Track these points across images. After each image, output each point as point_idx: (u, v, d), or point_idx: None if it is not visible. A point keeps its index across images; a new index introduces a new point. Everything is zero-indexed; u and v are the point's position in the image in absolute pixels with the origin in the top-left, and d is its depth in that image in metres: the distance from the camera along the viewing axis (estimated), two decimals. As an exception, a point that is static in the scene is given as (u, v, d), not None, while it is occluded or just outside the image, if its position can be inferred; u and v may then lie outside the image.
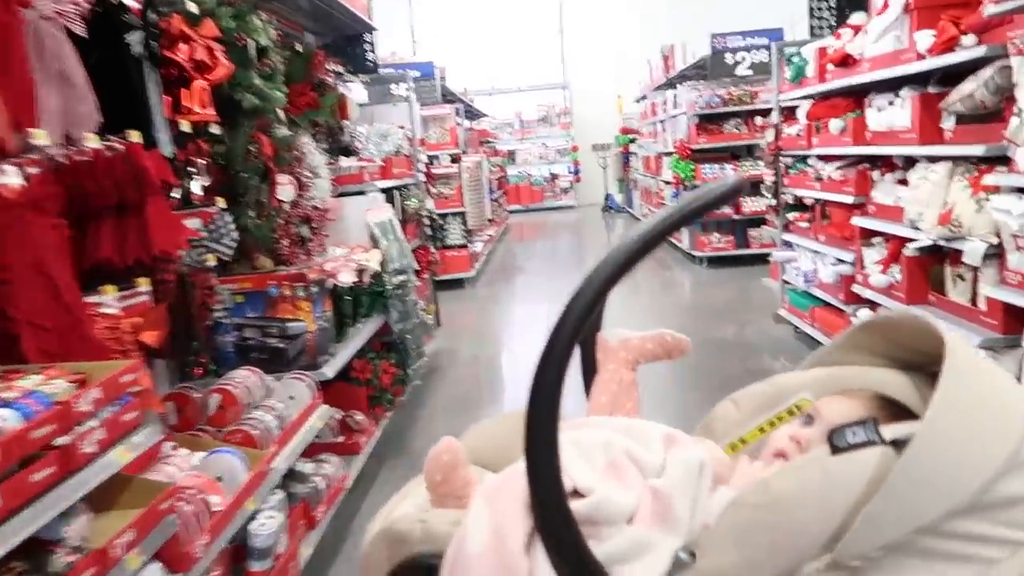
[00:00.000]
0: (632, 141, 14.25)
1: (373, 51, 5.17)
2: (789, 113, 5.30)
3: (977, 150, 2.93)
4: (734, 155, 8.47)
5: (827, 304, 4.56)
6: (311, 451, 2.74)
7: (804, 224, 4.87)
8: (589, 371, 1.31)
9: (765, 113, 8.20)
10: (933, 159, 3.37)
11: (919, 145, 3.41)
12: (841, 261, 4.31)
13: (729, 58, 8.19)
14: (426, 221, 5.26)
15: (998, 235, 2.84)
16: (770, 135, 5.16)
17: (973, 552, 0.85)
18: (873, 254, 3.92)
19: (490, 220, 11.66)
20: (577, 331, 0.83)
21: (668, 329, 1.32)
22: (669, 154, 9.42)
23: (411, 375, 4.07)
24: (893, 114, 3.67)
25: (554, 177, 17.47)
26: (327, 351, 2.95)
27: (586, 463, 1.00)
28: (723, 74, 8.25)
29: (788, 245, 5.23)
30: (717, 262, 8.29)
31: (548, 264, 10.04)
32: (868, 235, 4.03)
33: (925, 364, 1.12)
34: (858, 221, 4.02)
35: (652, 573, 0.91)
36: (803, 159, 4.98)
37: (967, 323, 3.12)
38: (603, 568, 0.89)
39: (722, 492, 1.00)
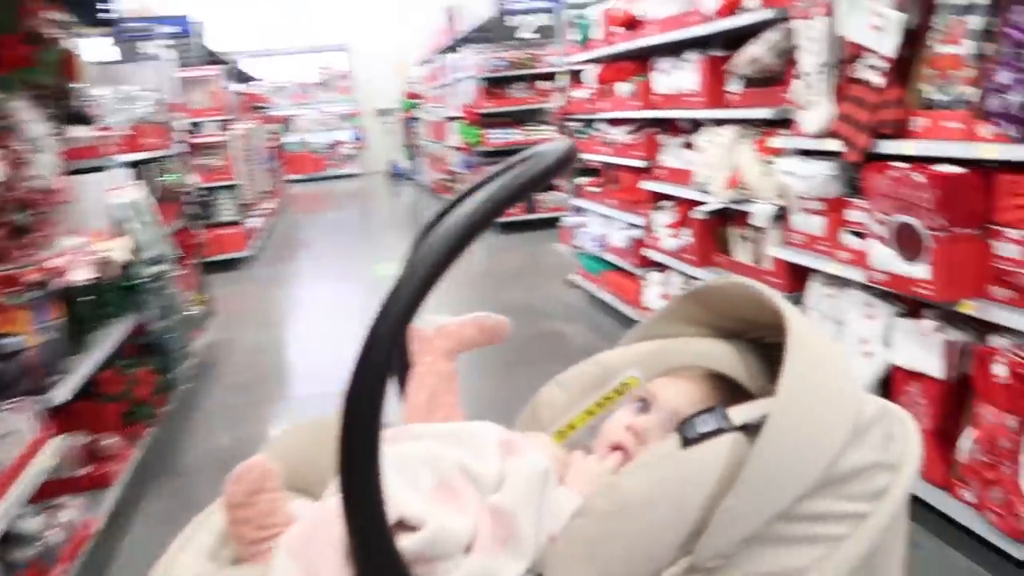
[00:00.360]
0: (417, 106, 13.89)
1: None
2: (576, 77, 5.25)
3: (763, 113, 2.95)
4: (519, 119, 8.43)
5: (619, 268, 4.58)
6: (47, 495, 2.20)
7: (594, 189, 4.85)
8: (403, 366, 1.18)
9: (550, 77, 8.24)
10: (720, 123, 3.40)
11: (706, 109, 3.42)
12: (632, 225, 4.32)
13: (512, 21, 8.09)
14: (189, 198, 4.60)
15: (783, 197, 2.88)
16: (558, 99, 5.07)
17: (822, 531, 0.81)
18: (663, 217, 3.94)
19: (268, 192, 10.84)
20: (398, 331, 0.70)
21: (484, 312, 1.24)
22: (456, 119, 9.21)
23: (176, 379, 3.52)
24: (679, 77, 3.66)
25: (336, 144, 16.68)
26: (58, 368, 2.38)
27: (412, 486, 0.88)
28: (507, 37, 8.13)
29: (579, 210, 5.21)
30: (509, 227, 8.25)
31: (335, 237, 9.50)
32: (657, 199, 4.05)
33: (745, 331, 1.12)
34: (647, 185, 4.02)
35: None
36: (591, 123, 4.95)
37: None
38: None
39: (564, 495, 0.92)
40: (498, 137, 8.11)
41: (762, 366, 1.11)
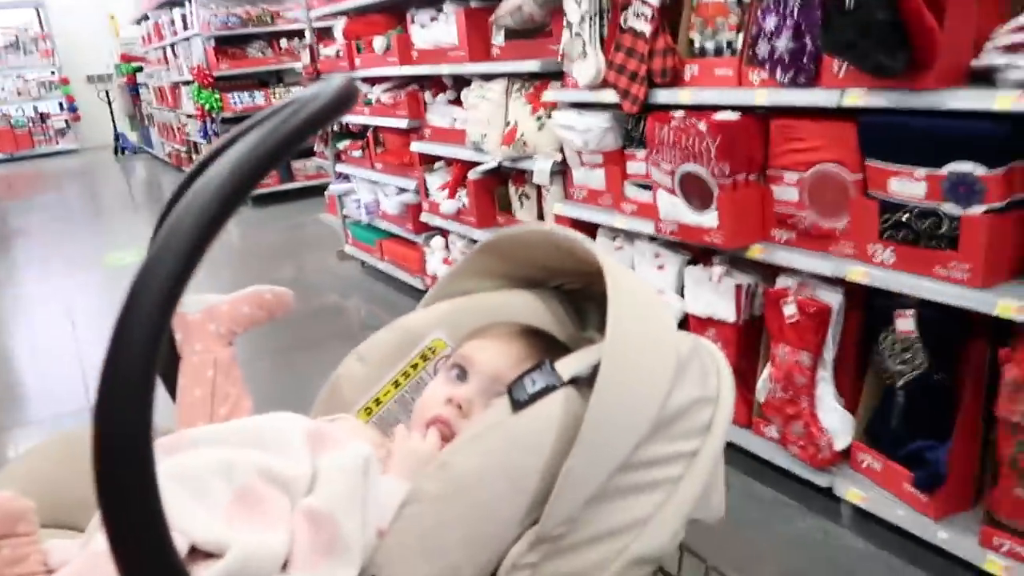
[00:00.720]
0: (139, 70, 12.35)
1: None
2: (324, 33, 4.84)
3: (531, 66, 2.84)
4: (263, 82, 7.75)
5: (395, 236, 4.34)
6: None
7: (357, 153, 4.54)
8: (169, 360, 1.03)
9: (291, 36, 7.64)
10: (487, 77, 3.25)
11: (469, 63, 3.25)
12: (403, 190, 4.08)
13: (240, -29, 7.34)
14: None
15: (562, 151, 2.82)
16: (306, 57, 4.64)
17: (659, 476, 0.79)
18: (436, 179, 3.76)
19: (-40, 178, 9.08)
20: (159, 318, 0.52)
21: (267, 287, 1.12)
22: (188, 83, 8.27)
23: None
24: (438, 30, 3.45)
25: (44, 117, 14.43)
26: None
27: (203, 504, 0.73)
28: (237, -10, 7.38)
29: (344, 177, 4.87)
30: (263, 200, 7.62)
31: (56, 226, 8.19)
32: (429, 161, 3.85)
33: (546, 279, 1.08)
34: (417, 147, 3.80)
35: None
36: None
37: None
38: None
39: (389, 483, 0.82)
40: (241, 101, 7.39)
41: (567, 314, 1.07)
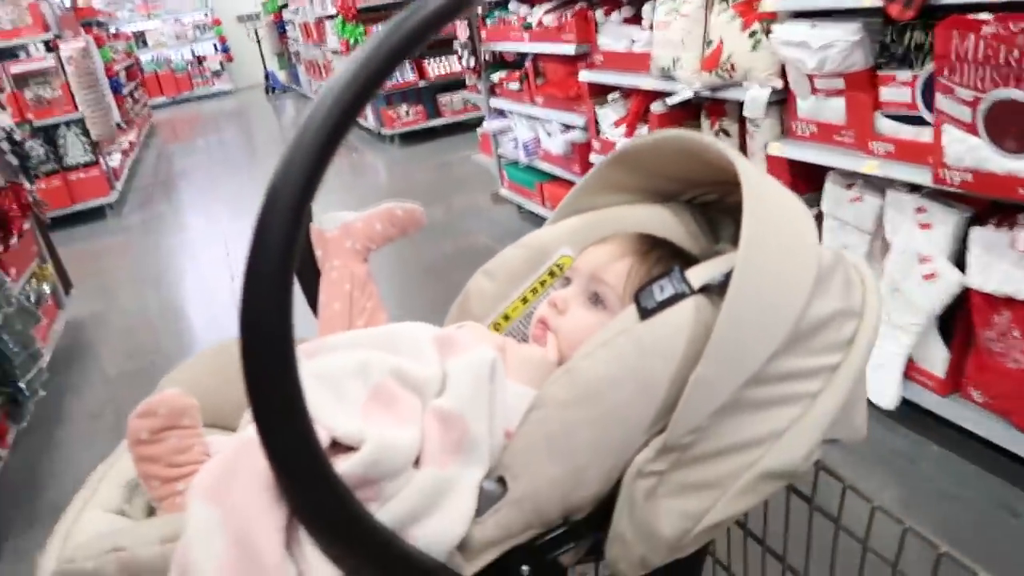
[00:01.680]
0: (284, 7, 12.39)
1: None
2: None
3: (744, -33, 2.27)
4: (407, 11, 7.40)
5: (559, 179, 3.90)
6: None
7: (515, 86, 4.09)
8: (309, 275, 1.05)
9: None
10: (676, -13, 2.69)
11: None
12: (569, 127, 3.62)
13: None
14: (4, 146, 3.59)
15: (783, 77, 2.25)
16: (457, -21, 4.19)
17: (796, 390, 0.75)
18: (609, 114, 3.27)
19: (126, 122, 9.47)
20: (295, 218, 0.55)
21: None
22: (331, 17, 8.07)
23: (26, 392, 2.70)
24: (615, -66, 2.91)
25: (200, 59, 14.93)
26: None
27: (342, 401, 0.76)
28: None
29: (499, 113, 4.45)
30: (409, 138, 7.38)
31: (216, 169, 8.36)
32: (600, 92, 3.35)
33: (680, 191, 1.05)
34: (587, 76, 3.30)
35: (455, 521, 0.72)
36: (502, 5, 4.13)
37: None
38: (395, 538, 0.68)
39: (515, 388, 0.82)
40: (385, 34, 7.07)
41: (700, 227, 1.03)
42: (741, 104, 2.54)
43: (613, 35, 3.16)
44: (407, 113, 7.30)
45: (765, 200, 0.77)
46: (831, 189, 2.22)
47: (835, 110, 2.11)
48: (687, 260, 0.91)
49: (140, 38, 14.54)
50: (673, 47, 2.59)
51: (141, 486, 0.82)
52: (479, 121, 7.61)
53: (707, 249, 1.01)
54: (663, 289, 0.77)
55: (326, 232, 1.08)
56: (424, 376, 0.80)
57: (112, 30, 12.35)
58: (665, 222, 1.02)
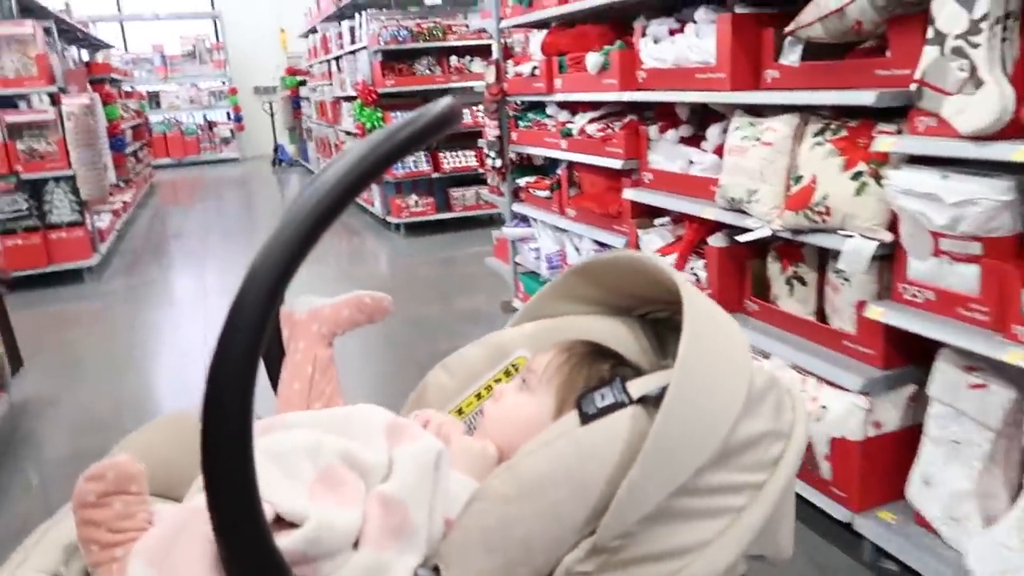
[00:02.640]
0: (302, 83, 12.33)
1: None
2: (510, 49, 4.11)
3: (851, 98, 1.91)
4: (427, 101, 7.18)
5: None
6: None
7: (543, 193, 3.74)
8: (274, 355, 1.11)
9: (462, 53, 7.05)
10: (754, 110, 2.35)
11: (730, 90, 2.36)
12: (604, 245, 3.24)
13: (415, -17, 6.83)
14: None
15: (892, 229, 1.87)
16: (490, 75, 3.91)
17: (722, 503, 0.80)
18: (655, 239, 2.88)
19: (125, 182, 9.15)
20: (268, 304, 0.61)
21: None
22: (350, 99, 7.87)
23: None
24: (682, 46, 2.59)
25: (211, 125, 14.82)
26: None
27: (290, 479, 0.80)
28: (411, 3, 6.87)
29: (522, 219, 4.09)
30: (416, 229, 7.03)
31: (211, 237, 7.96)
32: (646, 213, 2.98)
33: (635, 306, 1.11)
34: (633, 195, 2.94)
35: None
36: (538, 107, 3.83)
37: (812, 345, 2.18)
38: None
39: (458, 479, 0.87)
40: (403, 121, 6.83)
41: (650, 341, 1.08)
42: (824, 251, 2.16)
43: (667, 154, 2.82)
44: (416, 203, 6.98)
45: (704, 322, 0.82)
46: (945, 369, 1.80)
47: (965, 278, 1.71)
48: (636, 372, 0.97)
49: (154, 98, 14.46)
50: (749, 177, 2.23)
51: (80, 550, 0.81)
52: (490, 218, 7.37)
53: (655, 363, 1.06)
54: (604, 397, 0.82)
55: (295, 314, 1.12)
56: (372, 461, 0.84)
57: (127, 88, 12.25)
58: (617, 334, 1.06)
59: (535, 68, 3.51)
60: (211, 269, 6.43)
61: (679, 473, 0.76)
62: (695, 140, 2.75)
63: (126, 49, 14.37)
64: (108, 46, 11.44)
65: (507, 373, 1.09)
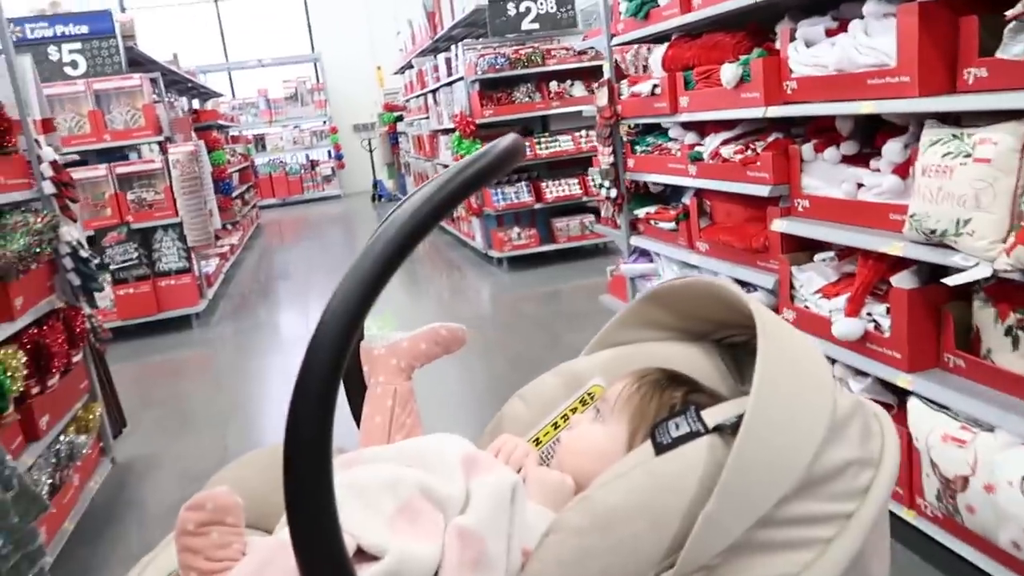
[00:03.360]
0: (399, 119, 12.37)
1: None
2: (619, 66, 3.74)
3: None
4: (527, 130, 6.92)
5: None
6: None
7: (666, 225, 3.34)
8: (355, 389, 1.14)
9: (561, 77, 6.76)
10: (949, 119, 1.90)
11: (919, 97, 1.90)
12: (747, 285, 2.80)
13: (511, 8, 6.59)
14: (67, 262, 3.06)
15: None
16: (602, 97, 3.55)
17: (807, 535, 0.76)
18: (814, 278, 2.43)
19: (232, 224, 9.30)
20: (345, 341, 0.64)
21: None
22: (448, 131, 7.70)
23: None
24: (850, 46, 2.15)
25: (313, 164, 15.13)
26: None
27: (370, 512, 0.82)
28: (507, 30, 6.63)
29: (642, 254, 3.69)
30: (519, 262, 6.73)
31: (317, 276, 7.93)
32: (798, 247, 2.54)
33: (710, 332, 1.09)
34: (784, 226, 2.50)
35: None
36: (655, 129, 3.44)
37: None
38: None
39: (534, 510, 0.87)
40: (503, 151, 6.56)
41: (728, 367, 1.06)
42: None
43: (827, 176, 2.37)
44: (519, 236, 6.68)
45: (781, 346, 0.80)
46: None
47: None
48: (713, 399, 0.94)
49: (260, 141, 14.89)
50: (957, 203, 1.76)
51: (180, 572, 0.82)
52: (596, 249, 7.01)
53: (734, 389, 1.03)
54: (679, 426, 0.80)
55: (374, 350, 1.14)
56: (448, 493, 0.84)
57: (234, 133, 12.63)
58: (693, 360, 1.04)
59: (655, 86, 3.13)
60: (315, 308, 6.32)
61: (759, 505, 0.74)
62: (861, 159, 2.30)
63: (233, 96, 14.90)
64: (217, 94, 11.83)
65: (583, 402, 1.07)
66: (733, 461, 0.73)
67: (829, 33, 2.28)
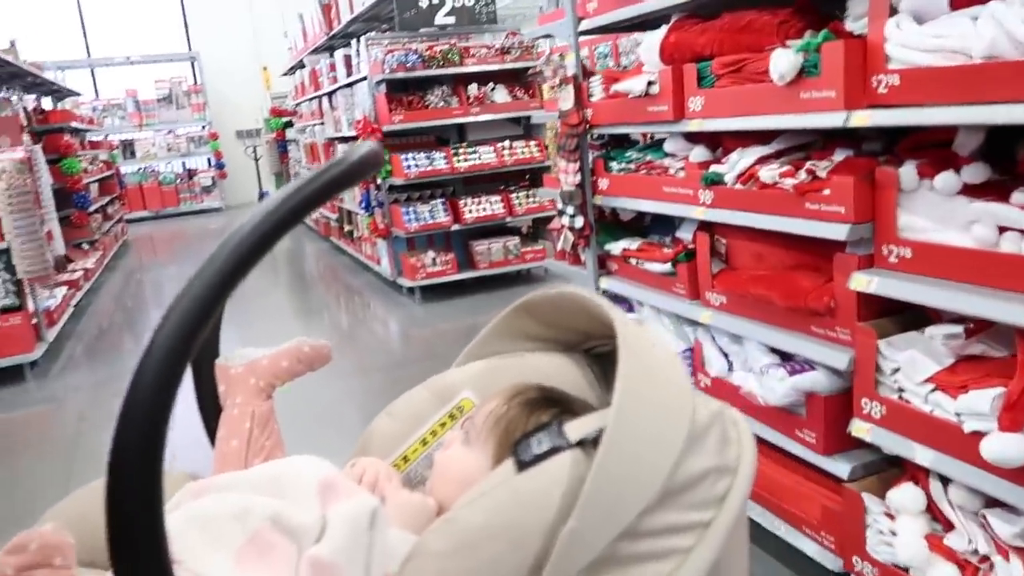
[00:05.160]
0: (289, 125, 11.21)
1: None
2: (587, 68, 2.92)
3: None
4: (442, 140, 6.04)
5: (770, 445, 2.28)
6: None
7: (657, 267, 2.53)
8: (210, 411, 1.09)
9: (481, 79, 5.91)
10: None
11: None
12: (793, 364, 2.03)
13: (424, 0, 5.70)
14: None
15: None
16: (567, 99, 2.73)
17: (668, 545, 0.77)
18: (920, 360, 1.67)
19: (90, 243, 7.94)
20: (181, 358, 0.61)
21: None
22: (347, 140, 6.71)
23: None
24: (996, 22, 1.41)
25: (191, 173, 13.65)
26: None
27: (216, 546, 0.78)
28: (418, 24, 5.73)
29: (617, 300, 2.88)
30: (434, 292, 5.82)
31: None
32: (885, 310, 1.79)
33: (581, 342, 1.09)
34: (864, 281, 1.73)
35: None
36: (625, 142, 2.65)
37: None
38: None
39: (396, 536, 0.85)
40: (416, 164, 5.66)
41: (597, 377, 1.07)
42: None
43: (939, 214, 1.63)
44: (434, 262, 5.78)
45: (640, 357, 0.79)
46: None
47: None
48: (584, 411, 0.92)
49: (128, 147, 13.30)
50: None
51: None
52: (520, 276, 6.18)
53: (602, 399, 1.02)
54: (540, 442, 0.79)
55: (231, 368, 1.10)
56: (302, 522, 0.80)
57: (95, 137, 11.09)
58: (563, 371, 1.04)
59: (650, 83, 2.32)
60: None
61: (621, 517, 0.73)
62: (992, 190, 1.57)
63: (97, 96, 13.26)
64: (73, 93, 10.32)
65: (452, 416, 1.03)
66: (594, 475, 0.72)
67: (956, 5, 1.54)
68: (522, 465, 0.78)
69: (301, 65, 9.18)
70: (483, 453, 0.94)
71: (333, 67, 7.08)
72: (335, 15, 7.22)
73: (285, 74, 10.85)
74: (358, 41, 6.08)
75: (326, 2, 7.45)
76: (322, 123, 8.00)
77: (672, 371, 0.84)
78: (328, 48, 7.83)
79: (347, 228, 7.65)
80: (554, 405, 0.96)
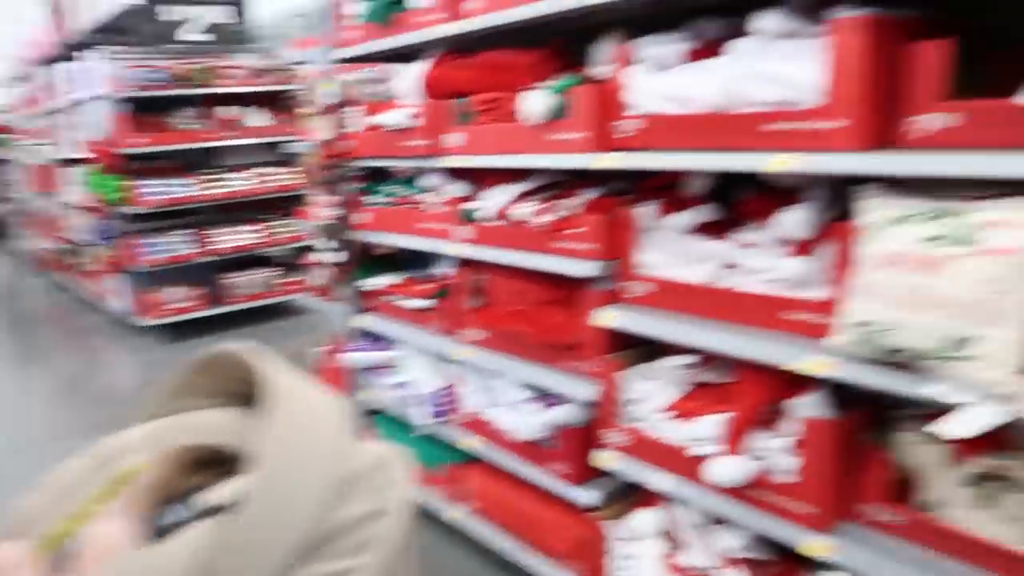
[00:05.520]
0: (6, 143, 9.80)
1: None
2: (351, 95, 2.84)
3: None
4: (192, 165, 5.58)
5: (506, 473, 2.26)
6: None
7: (415, 303, 2.48)
8: None
9: (231, 101, 5.58)
10: (893, 183, 1.36)
11: (857, 150, 1.35)
12: (548, 398, 2.06)
13: (171, 14, 5.28)
14: None
15: None
16: (326, 129, 2.61)
17: None
18: (656, 390, 1.77)
19: None
20: None
21: None
22: (79, 162, 5.98)
23: None
24: (740, 74, 1.54)
25: None
26: None
27: None
28: (163, 39, 5.28)
29: (374, 339, 2.78)
30: (178, 330, 5.31)
31: None
32: (628, 343, 1.87)
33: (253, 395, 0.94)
34: (612, 317, 1.81)
35: None
36: (382, 175, 2.59)
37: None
38: None
39: None
40: (159, 191, 5.16)
41: None
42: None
43: (674, 251, 1.75)
44: (181, 297, 5.28)
45: (282, 416, 0.71)
46: None
47: None
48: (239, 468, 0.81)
49: None
50: (950, 313, 1.20)
51: None
52: (278, 309, 5.86)
53: None
54: (178, 511, 0.71)
55: None
56: None
57: None
58: (234, 429, 0.86)
59: (409, 117, 2.29)
60: None
61: None
62: (715, 229, 1.71)
63: None
64: None
65: (120, 483, 0.82)
66: (212, 545, 0.65)
67: (697, 55, 1.67)
68: (152, 539, 0.72)
69: (25, 76, 8.09)
70: (132, 523, 0.82)
71: (67, 80, 6.31)
72: (68, 23, 6.46)
73: (7, 85, 9.50)
74: (95, 52, 5.47)
75: (57, 8, 6.66)
76: (50, 142, 7.08)
77: (317, 422, 0.77)
78: (61, 56, 6.99)
79: (75, 261, 6.78)
80: (218, 467, 0.85)
